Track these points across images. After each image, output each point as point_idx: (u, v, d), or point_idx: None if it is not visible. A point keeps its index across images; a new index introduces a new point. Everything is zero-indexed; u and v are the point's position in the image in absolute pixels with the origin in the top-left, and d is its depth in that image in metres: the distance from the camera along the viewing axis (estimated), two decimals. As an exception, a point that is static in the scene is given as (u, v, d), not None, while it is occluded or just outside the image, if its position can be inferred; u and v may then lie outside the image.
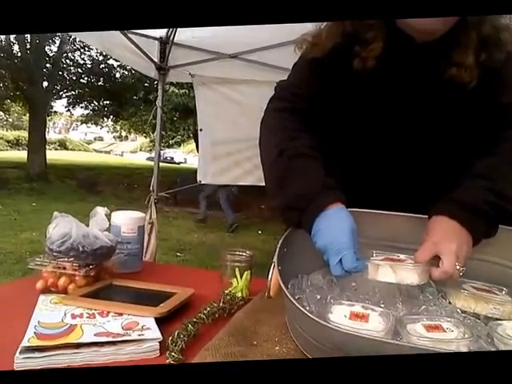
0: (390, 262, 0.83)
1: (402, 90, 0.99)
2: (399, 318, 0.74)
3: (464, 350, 0.65)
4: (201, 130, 3.26)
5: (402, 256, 0.87)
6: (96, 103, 15.27)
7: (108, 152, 43.35)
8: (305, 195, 0.85)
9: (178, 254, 5.60)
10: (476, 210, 0.83)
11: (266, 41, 2.65)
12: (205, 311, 0.93)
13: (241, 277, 1.11)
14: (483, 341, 0.69)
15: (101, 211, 1.22)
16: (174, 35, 2.69)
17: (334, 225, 0.81)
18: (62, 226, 1.12)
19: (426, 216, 0.90)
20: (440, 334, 0.69)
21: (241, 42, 2.74)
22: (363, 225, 0.89)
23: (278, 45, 2.62)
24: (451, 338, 0.67)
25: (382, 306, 0.79)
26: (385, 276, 0.82)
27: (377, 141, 1.04)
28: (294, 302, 0.72)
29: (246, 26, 2.39)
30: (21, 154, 17.70)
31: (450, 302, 0.85)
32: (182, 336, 0.81)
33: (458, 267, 0.79)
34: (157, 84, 3.20)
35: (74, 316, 0.88)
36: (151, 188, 3.16)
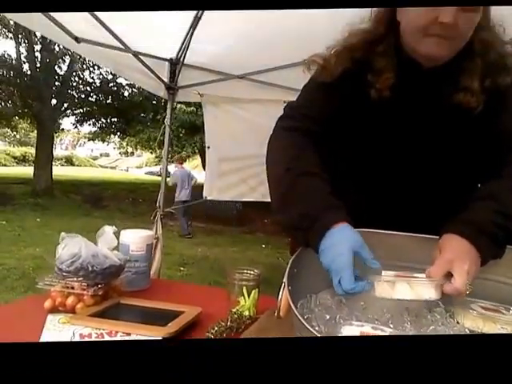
0: (406, 278, 0.82)
1: (411, 115, 1.02)
2: (408, 339, 0.73)
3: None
4: (208, 147, 3.31)
5: (409, 273, 0.86)
6: (104, 120, 15.49)
7: (113, 167, 43.69)
8: (309, 215, 0.86)
9: (181, 268, 5.59)
10: (486, 232, 0.84)
11: (273, 62, 2.71)
12: (212, 330, 0.94)
13: (248, 295, 1.12)
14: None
15: (109, 230, 1.23)
16: (185, 57, 2.75)
17: (336, 244, 0.82)
18: (71, 246, 1.13)
19: (431, 236, 0.91)
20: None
21: (249, 63, 2.79)
22: (368, 245, 0.88)
23: (285, 66, 2.67)
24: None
25: (391, 326, 0.79)
26: (402, 293, 0.81)
27: (385, 163, 1.05)
28: (304, 322, 0.72)
29: (253, 48, 2.45)
30: (27, 170, 17.89)
31: (458, 322, 0.84)
32: (190, 356, 0.81)
33: (468, 287, 0.79)
34: (165, 102, 3.25)
35: (82, 336, 0.89)
36: (157, 204, 3.17)
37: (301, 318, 0.73)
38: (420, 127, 1.02)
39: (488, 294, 0.91)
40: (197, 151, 14.58)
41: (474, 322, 0.82)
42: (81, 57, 12.44)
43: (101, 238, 1.21)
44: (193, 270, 5.54)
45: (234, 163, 3.24)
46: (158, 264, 3.10)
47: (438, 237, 0.90)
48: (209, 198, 3.36)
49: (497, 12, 0.97)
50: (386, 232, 0.96)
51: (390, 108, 1.01)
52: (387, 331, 0.75)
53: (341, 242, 0.83)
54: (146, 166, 39.91)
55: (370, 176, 1.07)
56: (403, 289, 0.80)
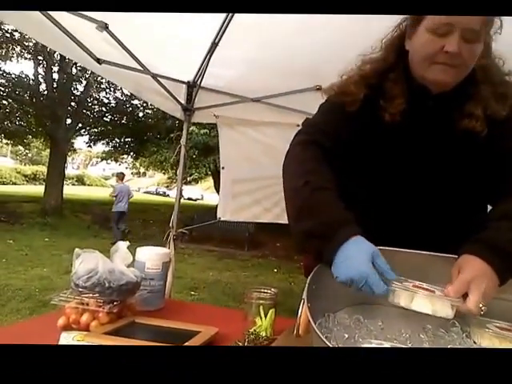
0: (425, 292, 0.83)
1: (420, 138, 1.06)
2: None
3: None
4: (223, 168, 3.33)
5: (426, 285, 0.86)
6: (118, 140, 15.73)
7: (156, 193, 43.97)
8: (326, 226, 0.88)
9: (193, 292, 5.52)
10: (503, 252, 0.86)
11: (286, 87, 2.76)
12: (230, 351, 0.92)
13: (265, 315, 1.10)
14: None
15: (123, 246, 1.23)
16: (202, 80, 2.82)
17: (354, 255, 0.85)
18: (88, 262, 1.13)
19: (446, 255, 0.92)
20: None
21: (263, 87, 2.85)
22: (393, 263, 0.88)
23: (297, 91, 2.74)
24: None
25: (410, 345, 0.78)
26: (420, 305, 0.81)
27: (395, 184, 1.08)
28: (325, 341, 0.71)
29: (267, 74, 2.52)
30: (37, 189, 18.10)
31: (474, 342, 0.83)
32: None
33: (480, 306, 0.81)
34: (179, 124, 3.31)
35: (98, 353, 0.88)
36: (171, 224, 3.17)
37: (322, 336, 0.72)
38: (429, 151, 1.06)
39: (504, 314, 0.89)
40: (209, 173, 14.69)
41: (491, 341, 0.81)
42: (97, 78, 12.78)
43: (115, 254, 1.21)
44: (204, 295, 5.47)
45: (248, 184, 3.25)
46: (168, 287, 3.07)
47: (452, 255, 0.90)
48: (222, 218, 3.35)
49: (496, 47, 1.05)
50: (402, 250, 0.95)
51: (401, 132, 1.05)
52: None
53: (359, 252, 0.85)
54: (158, 186, 40.23)
55: (379, 197, 1.09)
56: (422, 302, 0.81)
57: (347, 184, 1.07)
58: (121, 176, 9.96)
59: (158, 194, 36.35)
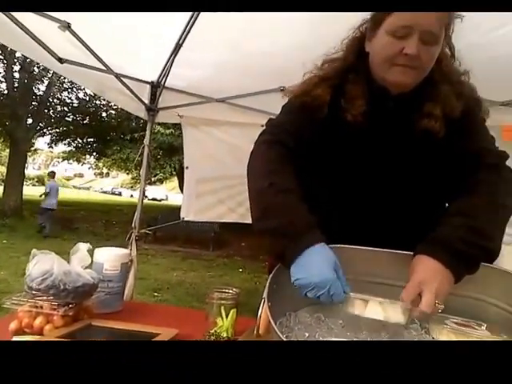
0: (378, 299, 0.85)
1: (381, 139, 1.08)
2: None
3: None
4: (187, 167, 3.31)
5: (380, 299, 0.88)
6: (80, 140, 15.30)
7: (87, 188, 42.90)
8: (292, 228, 0.88)
9: (156, 293, 5.43)
10: (457, 251, 0.87)
11: (250, 88, 2.78)
12: (190, 352, 0.90)
13: (226, 315, 1.09)
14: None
15: (83, 247, 1.19)
16: (165, 80, 2.79)
17: (317, 261, 0.85)
18: (42, 263, 1.08)
19: (405, 252, 0.94)
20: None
21: (227, 88, 2.86)
22: (344, 260, 0.91)
23: (262, 92, 2.76)
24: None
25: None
26: (373, 312, 0.83)
27: (357, 183, 1.10)
28: (284, 339, 0.71)
29: (231, 75, 2.53)
30: (-5, 190, 17.26)
31: (433, 338, 0.85)
32: (166, 378, 0.78)
33: (436, 305, 0.83)
34: (143, 123, 3.26)
35: (51, 358, 0.84)
36: (133, 224, 3.11)
37: (281, 335, 0.72)
38: (389, 151, 1.08)
39: (461, 311, 0.92)
40: (174, 173, 14.51)
41: (449, 337, 0.84)
42: (59, 78, 12.38)
43: (74, 255, 1.17)
44: (168, 296, 5.39)
45: (212, 184, 3.24)
46: (130, 288, 3.01)
47: (409, 252, 0.93)
48: (186, 218, 3.32)
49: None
50: (361, 248, 0.97)
51: (362, 132, 1.07)
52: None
53: (323, 259, 0.85)
54: (122, 187, 39.37)
55: (341, 197, 1.11)
56: (374, 309, 0.83)
57: (309, 184, 1.08)
58: (52, 174, 10.67)
59: (113, 193, 35.98)
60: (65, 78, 12.21)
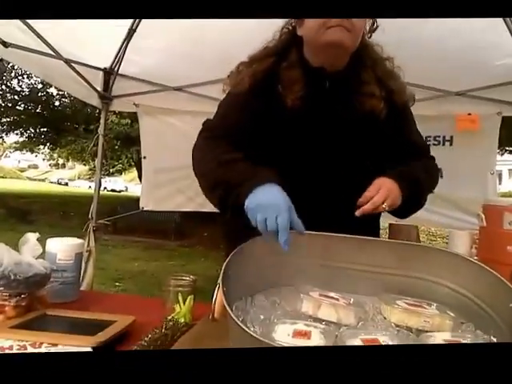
0: (330, 300, 0.89)
1: (321, 119, 1.14)
2: (339, 334, 0.77)
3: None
4: (144, 157, 3.24)
5: (334, 294, 0.93)
6: (32, 130, 14.55)
7: (43, 180, 41.16)
8: (242, 178, 0.96)
9: (117, 283, 5.35)
10: (406, 178, 1.10)
11: (208, 76, 2.73)
12: (146, 338, 0.91)
13: (184, 302, 1.10)
14: (415, 351, 0.74)
15: (32, 237, 1.16)
16: (119, 67, 2.70)
17: (272, 190, 0.92)
18: (-9, 254, 1.04)
19: (356, 236, 1.01)
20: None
21: (183, 76, 2.81)
22: (306, 245, 0.98)
23: (219, 80, 2.71)
24: (387, 350, 0.71)
25: (323, 323, 0.82)
26: (326, 314, 0.86)
27: (302, 167, 1.15)
28: (239, 322, 0.72)
29: (187, 62, 2.48)
30: None
31: (385, 318, 0.89)
32: (122, 364, 0.78)
33: (384, 205, 1.03)
34: (98, 113, 3.17)
35: (2, 349, 0.82)
36: (90, 215, 3.04)
37: (235, 318, 0.74)
38: (330, 131, 1.14)
39: (412, 291, 0.98)
40: (133, 164, 14.18)
41: (400, 316, 0.88)
42: (8, 64, 11.70)
43: (24, 246, 1.13)
44: (129, 285, 5.32)
45: (170, 174, 3.19)
46: (90, 278, 2.95)
47: (360, 236, 1.00)
48: (146, 208, 3.28)
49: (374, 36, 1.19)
50: (312, 232, 1.00)
51: (302, 115, 1.13)
52: (320, 328, 0.78)
53: (276, 190, 0.92)
54: (79, 178, 38.07)
55: (287, 181, 1.13)
56: (327, 311, 0.87)
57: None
58: None
59: (59, 183, 35.46)
60: (14, 65, 11.56)
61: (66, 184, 35.50)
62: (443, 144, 2.94)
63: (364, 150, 1.16)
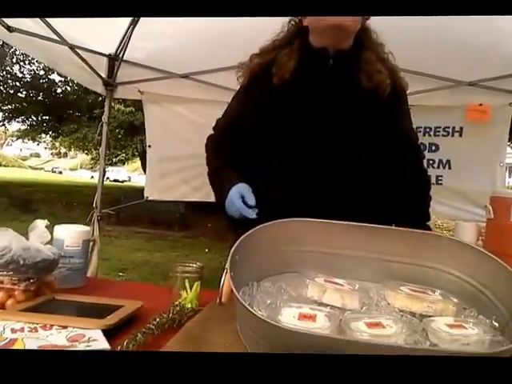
0: (335, 286, 0.91)
1: (325, 97, 1.19)
2: (344, 318, 0.78)
3: (401, 343, 0.71)
4: (149, 146, 3.24)
5: (339, 280, 0.95)
6: (34, 118, 14.50)
7: (46, 170, 41.22)
8: (220, 189, 1.26)
9: (121, 273, 5.39)
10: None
11: (216, 63, 2.72)
12: (154, 322, 0.92)
13: (190, 288, 1.11)
14: (419, 335, 0.75)
15: (41, 224, 1.17)
16: (124, 52, 2.68)
17: (232, 197, 1.20)
18: (0, 239, 1.06)
19: (356, 223, 1.01)
20: (380, 330, 0.74)
21: (191, 63, 2.79)
22: (296, 233, 1.01)
23: (226, 68, 2.69)
24: (390, 333, 0.73)
25: (328, 308, 0.84)
26: (330, 299, 0.89)
27: (305, 146, 1.21)
28: (246, 305, 0.74)
29: (195, 49, 2.46)
30: None
31: (388, 303, 0.91)
32: (131, 346, 0.80)
33: None
34: (101, 101, 3.15)
35: (14, 330, 0.84)
36: (94, 205, 3.06)
37: (242, 301, 0.75)
38: (332, 108, 1.19)
39: (416, 278, 0.99)
40: (136, 153, 14.17)
41: (403, 302, 0.89)
42: (10, 49, 11.61)
43: (32, 232, 1.15)
44: (133, 275, 5.37)
45: (175, 163, 3.19)
46: (94, 268, 2.97)
47: (360, 224, 1.01)
48: (150, 198, 3.28)
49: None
50: (311, 220, 1.02)
51: (307, 94, 1.19)
52: (324, 311, 0.79)
53: (234, 194, 1.19)
54: (81, 168, 38.09)
55: (291, 162, 1.24)
56: (332, 296, 0.89)
57: (262, 161, 1.26)
58: None
59: (53, 172, 35.70)
60: (16, 50, 11.47)
61: (61, 173, 35.79)
62: (452, 135, 2.91)
63: (365, 128, 1.20)
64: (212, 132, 1.40)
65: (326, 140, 1.19)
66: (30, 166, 41.11)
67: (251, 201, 1.16)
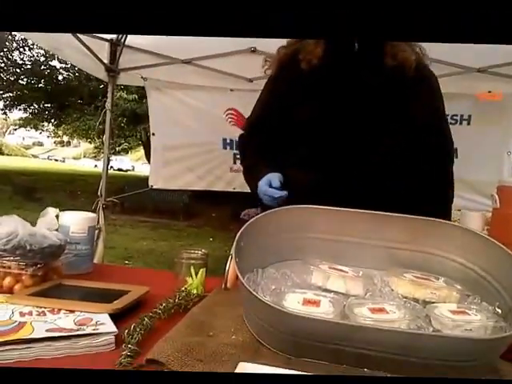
0: (339, 272, 0.92)
1: (352, 81, 1.20)
2: (347, 303, 0.79)
3: (405, 328, 0.71)
4: (153, 134, 3.22)
5: (343, 267, 0.96)
6: (36, 106, 14.44)
7: (48, 158, 41.29)
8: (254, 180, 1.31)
9: (126, 261, 5.44)
10: None
11: (218, 48, 2.70)
12: (160, 307, 0.93)
13: (196, 274, 1.12)
14: (422, 321, 0.76)
15: (51, 212, 1.19)
16: (126, 37, 2.66)
17: (261, 185, 1.26)
18: (6, 225, 1.07)
19: (368, 211, 1.01)
20: (384, 315, 0.75)
21: (194, 47, 2.76)
22: (317, 220, 1.01)
23: (231, 53, 2.68)
24: (393, 318, 0.73)
25: (332, 294, 0.85)
26: (335, 285, 0.90)
27: (332, 132, 1.22)
28: (251, 290, 0.75)
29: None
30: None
31: (392, 290, 0.92)
32: (138, 329, 0.81)
33: None
34: (104, 88, 3.14)
35: (22, 314, 0.85)
36: (99, 193, 3.07)
37: (247, 286, 0.76)
38: (358, 91, 1.20)
39: (420, 265, 1.00)
40: (140, 142, 14.15)
41: (407, 288, 0.90)
42: (9, 35, 11.50)
43: (41, 218, 1.16)
44: (138, 263, 5.43)
45: (180, 151, 3.18)
46: (100, 255, 3.00)
47: (371, 211, 1.01)
48: (155, 186, 3.28)
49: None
50: (324, 207, 1.03)
51: (330, 75, 1.21)
52: (328, 297, 0.80)
53: (262, 181, 1.26)
54: (85, 157, 38.13)
55: (319, 148, 1.26)
56: (336, 282, 0.90)
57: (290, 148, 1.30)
58: None
59: (49, 159, 36.29)
60: (15, 36, 11.37)
61: (56, 160, 36.20)
62: (461, 123, 2.88)
63: (389, 112, 1.20)
64: (242, 132, 1.48)
65: (352, 124, 1.21)
66: (33, 155, 41.17)
67: (275, 183, 1.22)
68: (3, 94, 13.41)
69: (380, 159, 1.21)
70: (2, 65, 12.59)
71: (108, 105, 3.00)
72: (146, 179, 3.41)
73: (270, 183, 1.23)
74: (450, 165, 1.30)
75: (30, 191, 10.92)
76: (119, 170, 25.96)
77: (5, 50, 12.15)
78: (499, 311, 0.81)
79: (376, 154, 1.21)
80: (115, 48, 2.79)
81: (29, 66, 12.90)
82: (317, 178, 1.22)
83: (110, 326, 0.82)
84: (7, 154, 32.61)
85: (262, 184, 1.25)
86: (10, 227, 1.06)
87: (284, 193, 1.20)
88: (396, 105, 1.20)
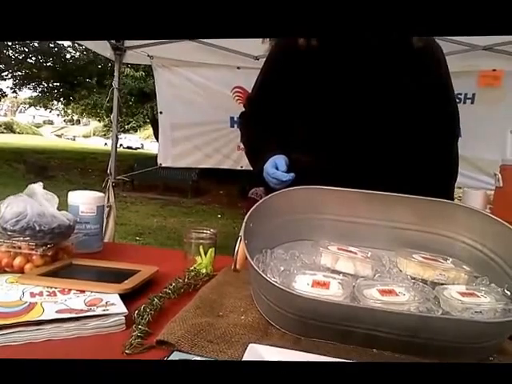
0: (348, 254, 0.91)
1: (362, 64, 1.18)
2: (357, 285, 0.78)
3: (414, 310, 0.71)
4: (161, 112, 3.22)
5: (352, 248, 0.95)
6: (45, 84, 14.45)
7: (59, 136, 41.54)
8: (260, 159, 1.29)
9: (138, 238, 5.52)
10: None
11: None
12: (170, 286, 0.94)
13: (205, 254, 1.12)
14: (431, 303, 0.76)
15: (38, 187, 1.16)
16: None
17: (267, 166, 1.24)
18: (15, 205, 1.07)
19: (373, 192, 1.01)
20: (393, 298, 0.74)
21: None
22: (326, 201, 1.01)
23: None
24: (403, 301, 0.73)
25: (341, 275, 0.84)
26: (344, 267, 0.89)
27: (341, 118, 1.20)
28: (260, 272, 0.75)
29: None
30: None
31: (400, 271, 0.91)
32: (148, 310, 0.81)
33: None
34: (111, 66, 3.11)
35: (33, 294, 0.86)
36: (108, 171, 3.09)
37: (257, 268, 0.76)
38: (371, 77, 1.18)
39: (429, 246, 0.99)
40: (148, 121, 14.12)
41: (416, 269, 0.89)
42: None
43: (35, 197, 1.13)
44: (149, 240, 5.50)
45: (187, 130, 3.17)
46: (111, 233, 3.04)
47: (377, 192, 1.00)
48: (164, 165, 3.30)
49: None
50: (330, 188, 1.02)
51: (329, 61, 1.20)
52: (338, 279, 0.80)
53: (269, 163, 1.24)
54: (95, 135, 38.23)
55: (327, 133, 1.24)
56: (345, 263, 0.90)
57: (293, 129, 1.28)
58: None
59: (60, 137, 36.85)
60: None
61: (61, 136, 37.00)
62: (464, 102, 2.87)
63: (394, 86, 1.18)
64: (244, 110, 1.43)
65: (356, 101, 1.19)
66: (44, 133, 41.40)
67: (282, 166, 1.20)
68: (12, 72, 13.40)
69: (386, 138, 1.19)
70: (10, 43, 12.53)
71: (115, 83, 2.98)
72: (154, 157, 3.41)
73: (276, 166, 1.22)
74: (456, 139, 1.33)
75: (42, 169, 11.02)
76: (128, 147, 26.05)
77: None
78: (508, 293, 0.80)
79: (382, 133, 1.19)
80: (121, 25, 2.74)
81: (36, 45, 12.83)
82: (321, 159, 1.21)
83: (120, 307, 0.82)
84: (19, 133, 32.85)
85: (269, 167, 1.23)
86: (19, 208, 1.06)
87: (291, 175, 1.18)
88: (402, 77, 1.17)
